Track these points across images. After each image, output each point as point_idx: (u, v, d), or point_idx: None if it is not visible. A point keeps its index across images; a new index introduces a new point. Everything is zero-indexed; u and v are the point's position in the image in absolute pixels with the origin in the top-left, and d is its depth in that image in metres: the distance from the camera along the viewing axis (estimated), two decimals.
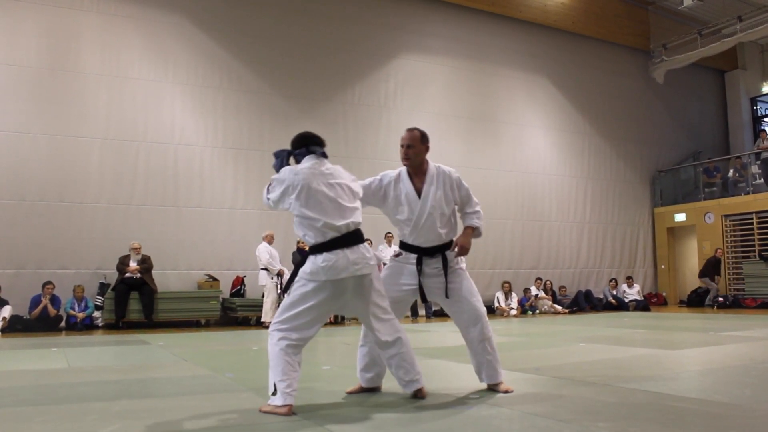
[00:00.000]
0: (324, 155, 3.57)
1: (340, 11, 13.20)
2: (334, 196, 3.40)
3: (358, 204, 3.55)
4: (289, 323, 3.35)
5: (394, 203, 3.86)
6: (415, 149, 3.85)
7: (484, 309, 3.89)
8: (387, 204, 3.89)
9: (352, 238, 3.41)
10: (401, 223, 3.89)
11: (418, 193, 3.83)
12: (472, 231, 3.92)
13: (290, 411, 3.24)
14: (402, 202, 3.83)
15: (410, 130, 3.90)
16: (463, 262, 3.99)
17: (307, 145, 3.56)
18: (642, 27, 16.97)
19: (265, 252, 10.53)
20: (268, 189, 3.56)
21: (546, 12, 15.43)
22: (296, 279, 3.42)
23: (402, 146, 3.88)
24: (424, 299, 3.95)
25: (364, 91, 13.28)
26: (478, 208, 3.98)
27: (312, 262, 3.36)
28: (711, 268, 14.52)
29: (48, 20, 10.73)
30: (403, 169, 3.92)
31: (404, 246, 3.92)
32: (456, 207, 3.97)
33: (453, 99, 14.29)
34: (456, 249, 3.85)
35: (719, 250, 14.77)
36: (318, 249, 3.36)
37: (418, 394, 3.58)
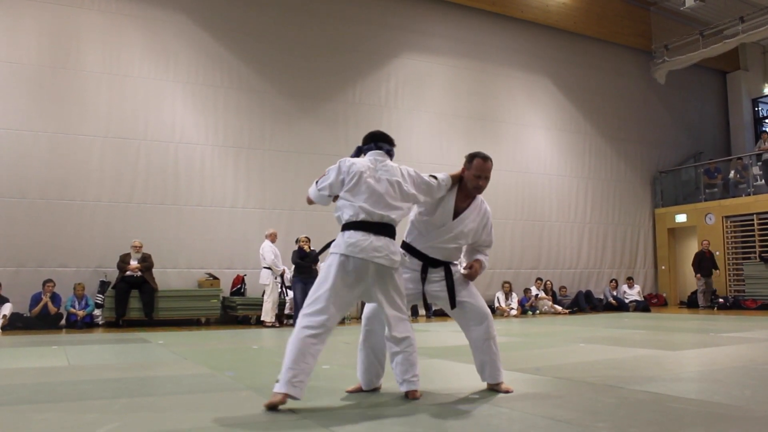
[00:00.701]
0: (389, 153, 3.72)
1: (341, 10, 13.20)
2: (381, 191, 3.51)
3: (404, 205, 3.59)
4: (314, 306, 3.37)
5: (432, 207, 3.82)
6: (488, 181, 3.84)
7: (488, 308, 3.91)
8: (425, 203, 3.83)
9: (382, 228, 3.49)
10: (423, 225, 3.84)
11: (456, 212, 3.82)
12: (480, 266, 3.94)
13: (284, 399, 3.23)
14: (437, 212, 3.80)
15: (487, 161, 3.81)
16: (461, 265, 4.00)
17: (375, 141, 3.74)
18: (643, 27, 16.96)
19: (270, 251, 10.51)
20: (317, 181, 3.66)
21: (547, 12, 15.42)
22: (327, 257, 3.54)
23: (478, 177, 3.79)
24: (428, 307, 3.96)
25: (365, 91, 13.28)
26: (489, 253, 4.07)
27: (340, 236, 3.50)
28: (698, 263, 14.37)
29: (49, 18, 10.73)
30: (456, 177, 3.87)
31: (410, 250, 3.87)
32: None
33: (454, 98, 14.29)
34: (467, 271, 3.87)
35: (705, 242, 14.61)
36: (348, 226, 3.49)
37: (410, 395, 3.59)
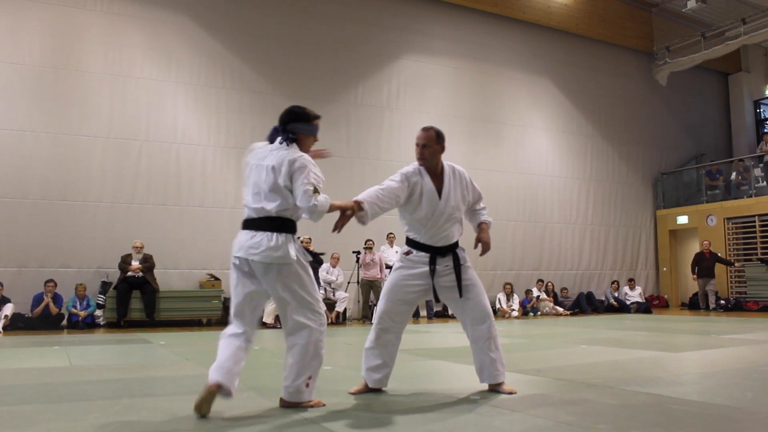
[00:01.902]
0: (291, 139, 3.39)
1: (343, 11, 13.21)
2: (257, 180, 3.36)
3: (277, 197, 3.30)
4: (232, 312, 3.47)
5: (416, 201, 3.79)
6: (431, 149, 3.82)
7: (491, 308, 3.90)
8: (409, 202, 3.80)
9: (261, 223, 3.32)
10: (417, 222, 3.82)
11: (438, 192, 3.80)
12: (487, 227, 4.03)
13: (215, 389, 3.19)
14: (423, 201, 3.78)
15: (426, 130, 3.86)
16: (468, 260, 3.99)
17: (280, 123, 3.47)
18: (645, 29, 16.95)
19: None
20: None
21: (549, 13, 15.42)
22: None
23: (417, 145, 3.84)
24: (437, 299, 3.90)
25: (367, 92, 13.28)
26: (484, 204, 4.11)
27: None
28: (696, 264, 14.26)
29: (51, 19, 10.75)
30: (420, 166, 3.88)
31: (415, 245, 3.86)
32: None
33: (456, 100, 14.30)
34: (481, 246, 3.94)
35: (706, 242, 14.49)
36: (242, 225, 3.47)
37: (283, 404, 3.41)
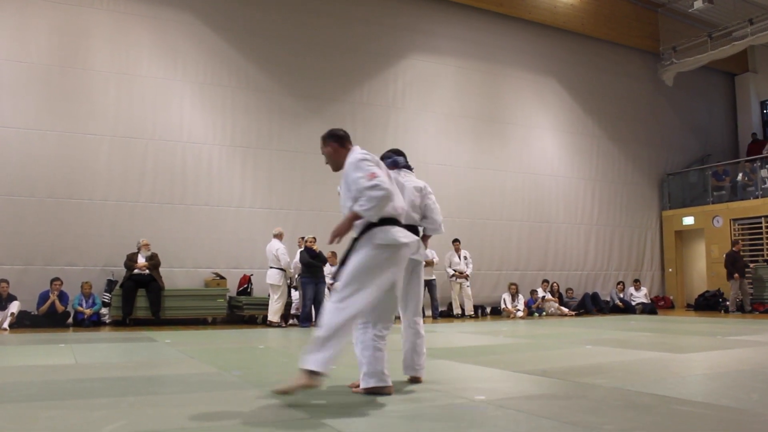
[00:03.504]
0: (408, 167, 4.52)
1: (349, 11, 13.21)
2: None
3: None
4: None
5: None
6: (330, 158, 3.93)
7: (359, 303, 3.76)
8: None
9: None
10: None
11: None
12: (353, 216, 3.61)
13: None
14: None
15: (321, 139, 3.98)
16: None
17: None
18: (652, 29, 16.90)
19: (285, 252, 10.39)
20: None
21: (555, 13, 15.39)
22: None
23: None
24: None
25: (372, 91, 13.28)
26: (369, 193, 3.54)
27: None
28: (732, 263, 13.96)
29: (58, 18, 10.79)
30: None
31: None
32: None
33: (461, 100, 14.27)
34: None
35: (739, 244, 14.32)
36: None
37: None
